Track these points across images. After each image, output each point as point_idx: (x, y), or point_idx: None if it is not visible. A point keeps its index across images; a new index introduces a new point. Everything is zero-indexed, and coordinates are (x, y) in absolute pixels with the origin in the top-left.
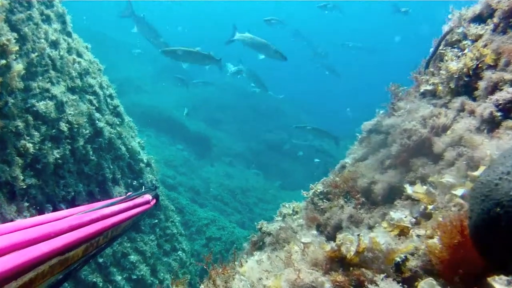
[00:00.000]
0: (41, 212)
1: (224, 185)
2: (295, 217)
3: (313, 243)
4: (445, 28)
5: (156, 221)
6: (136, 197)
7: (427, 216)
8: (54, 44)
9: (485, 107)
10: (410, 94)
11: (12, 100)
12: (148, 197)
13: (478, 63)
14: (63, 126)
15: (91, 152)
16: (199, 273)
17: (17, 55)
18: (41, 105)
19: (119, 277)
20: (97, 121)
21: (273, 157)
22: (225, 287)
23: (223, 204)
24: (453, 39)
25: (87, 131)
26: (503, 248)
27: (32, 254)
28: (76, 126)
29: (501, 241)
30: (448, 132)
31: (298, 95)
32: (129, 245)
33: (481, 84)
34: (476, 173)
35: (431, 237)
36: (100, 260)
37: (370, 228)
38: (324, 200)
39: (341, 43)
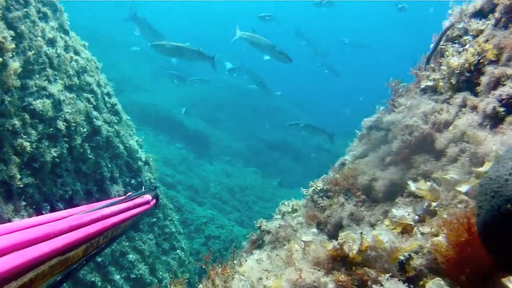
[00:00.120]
0: (38, 211)
1: (223, 183)
2: (294, 215)
3: (314, 242)
4: (446, 23)
5: (155, 219)
6: (136, 197)
7: (431, 213)
8: (51, 42)
9: (488, 102)
10: (410, 90)
11: (8, 99)
12: (148, 197)
13: (479, 58)
14: (61, 125)
15: (88, 151)
16: (198, 271)
17: (14, 53)
18: (38, 104)
19: (118, 276)
20: (94, 120)
21: (271, 155)
22: (225, 286)
23: (221, 203)
24: (454, 35)
25: (85, 130)
26: None
27: (32, 254)
28: (73, 124)
29: None
30: (450, 128)
31: (298, 94)
32: (127, 244)
33: (483, 80)
34: (481, 169)
35: (436, 235)
36: (99, 259)
37: (372, 226)
38: (324, 198)
39: (338, 40)
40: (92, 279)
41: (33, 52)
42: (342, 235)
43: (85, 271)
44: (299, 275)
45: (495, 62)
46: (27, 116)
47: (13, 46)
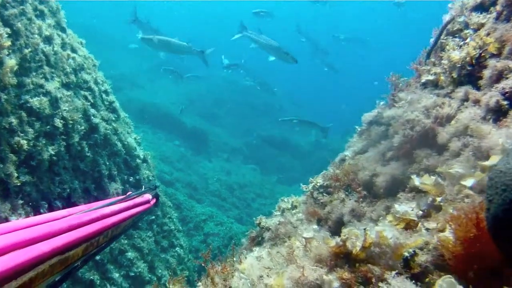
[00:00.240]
0: (36, 209)
1: (221, 180)
2: (294, 211)
3: (316, 238)
4: (446, 17)
5: (153, 217)
6: (136, 197)
7: (435, 208)
8: (48, 40)
9: (491, 96)
10: (410, 85)
11: (5, 96)
12: (148, 196)
13: (481, 52)
14: (58, 122)
15: (86, 149)
16: (197, 269)
17: (10, 51)
18: (35, 101)
19: (117, 275)
20: (92, 117)
21: (270, 152)
22: (224, 285)
23: (220, 200)
24: (455, 29)
25: (82, 127)
26: None
27: (32, 254)
28: (71, 122)
29: None
30: (453, 122)
31: (296, 91)
32: (126, 242)
33: (486, 73)
34: (487, 163)
35: (442, 231)
36: (97, 257)
37: (373, 222)
38: (324, 194)
39: (332, 35)
40: (91, 277)
41: (29, 49)
42: (345, 231)
43: (83, 270)
44: (302, 273)
45: (497, 55)
46: (24, 114)
47: (9, 43)
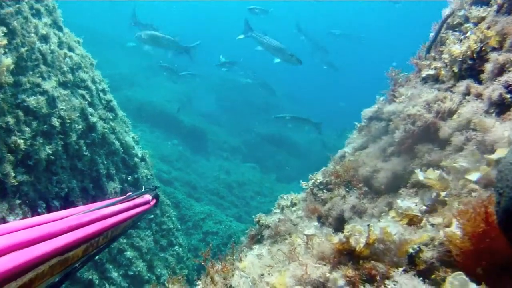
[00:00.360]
0: (33, 209)
1: (220, 179)
2: (293, 209)
3: (317, 235)
4: (446, 11)
5: (152, 216)
6: (136, 197)
7: (440, 203)
8: (45, 38)
9: (494, 89)
10: (410, 80)
11: (1, 95)
12: (148, 197)
13: (482, 45)
14: (55, 122)
15: (84, 148)
16: (196, 268)
17: (6, 49)
18: (32, 100)
19: (115, 274)
20: (90, 116)
21: (268, 150)
22: (224, 284)
23: (219, 198)
24: (455, 23)
25: (80, 126)
26: None
27: (32, 254)
28: (68, 121)
29: None
30: (455, 116)
31: (295, 88)
32: (125, 241)
33: (487, 67)
34: (493, 156)
35: (448, 226)
36: (96, 257)
37: (375, 218)
38: (325, 191)
39: (328, 32)
40: (90, 277)
41: (26, 48)
42: (348, 227)
43: (82, 269)
44: (305, 271)
45: (499, 49)
46: (20, 113)
47: (5, 42)
